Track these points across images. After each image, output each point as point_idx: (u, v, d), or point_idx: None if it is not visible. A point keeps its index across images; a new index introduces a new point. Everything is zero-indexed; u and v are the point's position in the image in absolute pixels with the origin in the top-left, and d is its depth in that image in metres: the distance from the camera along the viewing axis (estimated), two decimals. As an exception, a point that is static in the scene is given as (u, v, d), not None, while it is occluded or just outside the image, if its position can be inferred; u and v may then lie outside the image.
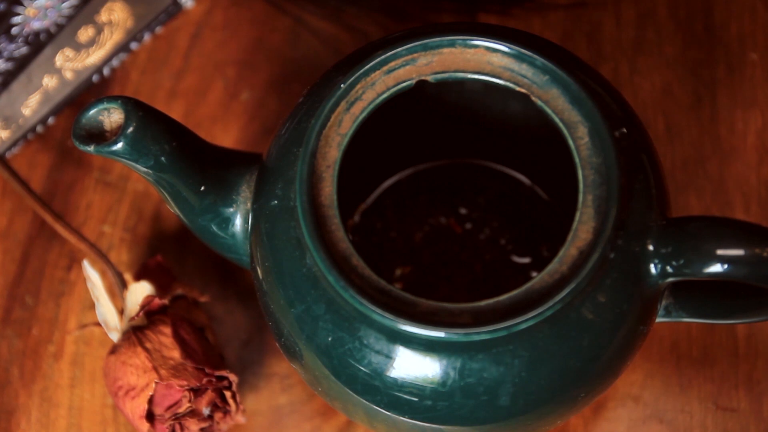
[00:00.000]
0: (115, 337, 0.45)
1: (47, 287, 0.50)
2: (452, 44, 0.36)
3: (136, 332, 0.43)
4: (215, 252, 0.41)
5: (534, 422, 0.36)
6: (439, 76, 0.36)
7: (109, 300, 0.46)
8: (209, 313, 0.49)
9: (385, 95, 0.36)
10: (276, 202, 0.36)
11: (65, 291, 0.50)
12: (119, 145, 0.35)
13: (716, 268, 0.33)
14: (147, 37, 0.54)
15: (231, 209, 0.39)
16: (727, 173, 0.49)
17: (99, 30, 0.52)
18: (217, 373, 0.43)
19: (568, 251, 0.34)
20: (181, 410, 0.42)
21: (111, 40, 0.53)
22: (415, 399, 0.34)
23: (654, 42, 0.52)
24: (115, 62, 0.54)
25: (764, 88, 0.51)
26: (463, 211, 0.48)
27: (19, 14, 0.48)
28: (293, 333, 0.36)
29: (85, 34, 0.51)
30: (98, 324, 0.48)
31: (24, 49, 0.49)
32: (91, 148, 0.35)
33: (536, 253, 0.47)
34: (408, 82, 0.36)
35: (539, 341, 0.34)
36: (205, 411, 0.43)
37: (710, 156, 0.50)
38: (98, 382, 0.48)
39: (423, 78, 0.36)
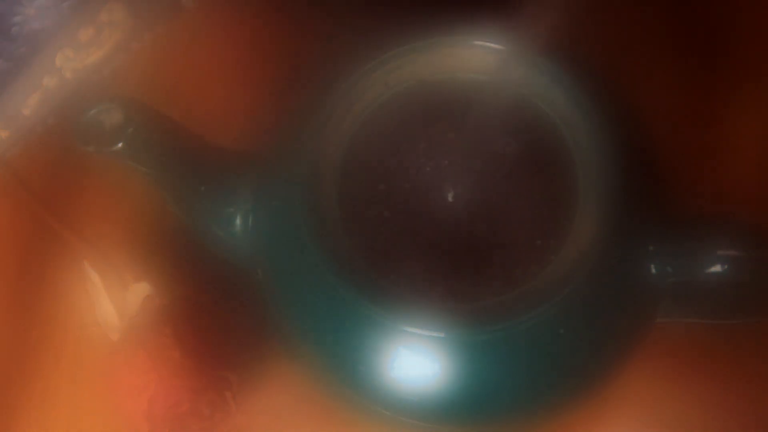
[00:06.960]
0: (115, 337, 0.45)
1: (47, 287, 0.50)
2: (452, 44, 0.36)
3: (136, 332, 0.43)
4: (215, 252, 0.41)
5: (534, 422, 0.36)
6: (439, 76, 0.36)
7: (109, 300, 0.46)
8: (210, 314, 0.48)
9: (385, 95, 0.36)
10: (276, 202, 0.36)
11: (65, 291, 0.50)
12: (119, 146, 0.35)
13: (716, 268, 0.33)
14: (147, 37, 0.54)
15: (231, 209, 0.39)
16: (727, 173, 0.49)
17: (99, 30, 0.52)
18: (217, 373, 0.43)
19: (569, 251, 0.34)
20: (181, 410, 0.42)
21: (111, 40, 0.53)
22: (415, 399, 0.34)
23: (654, 42, 0.52)
24: (115, 62, 0.53)
25: (764, 89, 0.51)
26: (463, 210, 0.48)
27: (19, 14, 0.48)
28: (293, 333, 0.36)
29: (85, 34, 0.51)
30: (98, 324, 0.48)
31: (24, 49, 0.49)
32: (91, 148, 0.35)
33: (536, 255, 0.47)
34: (408, 82, 0.36)
35: (539, 341, 0.33)
36: (205, 411, 0.43)
37: (710, 156, 0.50)
38: (98, 382, 0.48)
39: (423, 78, 0.36)
